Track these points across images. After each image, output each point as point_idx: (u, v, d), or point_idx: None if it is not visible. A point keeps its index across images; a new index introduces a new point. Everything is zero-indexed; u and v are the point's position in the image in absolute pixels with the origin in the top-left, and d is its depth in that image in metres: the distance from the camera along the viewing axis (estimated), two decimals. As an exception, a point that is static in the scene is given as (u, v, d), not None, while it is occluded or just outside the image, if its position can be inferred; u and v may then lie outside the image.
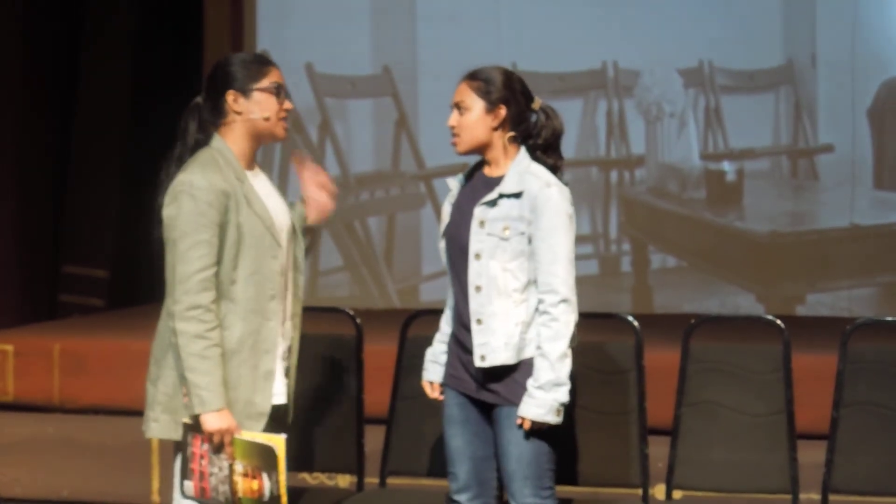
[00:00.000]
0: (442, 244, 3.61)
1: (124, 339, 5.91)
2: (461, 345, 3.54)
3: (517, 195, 3.44)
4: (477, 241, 3.46)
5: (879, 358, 4.00)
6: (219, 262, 3.23)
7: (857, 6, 7.35)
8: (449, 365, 3.62)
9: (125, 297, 7.44)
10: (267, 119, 3.33)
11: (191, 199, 3.20)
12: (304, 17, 7.76)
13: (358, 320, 4.21)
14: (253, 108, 3.32)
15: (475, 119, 3.49)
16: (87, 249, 7.46)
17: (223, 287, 3.24)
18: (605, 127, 7.51)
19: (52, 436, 5.53)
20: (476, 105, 3.49)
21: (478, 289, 3.44)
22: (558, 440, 3.49)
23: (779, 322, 4.05)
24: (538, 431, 3.42)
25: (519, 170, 3.47)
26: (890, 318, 4.38)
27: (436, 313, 4.09)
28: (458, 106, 3.51)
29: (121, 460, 5.38)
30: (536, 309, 3.44)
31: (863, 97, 7.31)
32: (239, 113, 3.32)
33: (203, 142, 3.34)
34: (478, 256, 3.45)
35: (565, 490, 3.82)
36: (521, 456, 3.45)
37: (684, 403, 4.03)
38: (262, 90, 3.32)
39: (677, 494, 4.08)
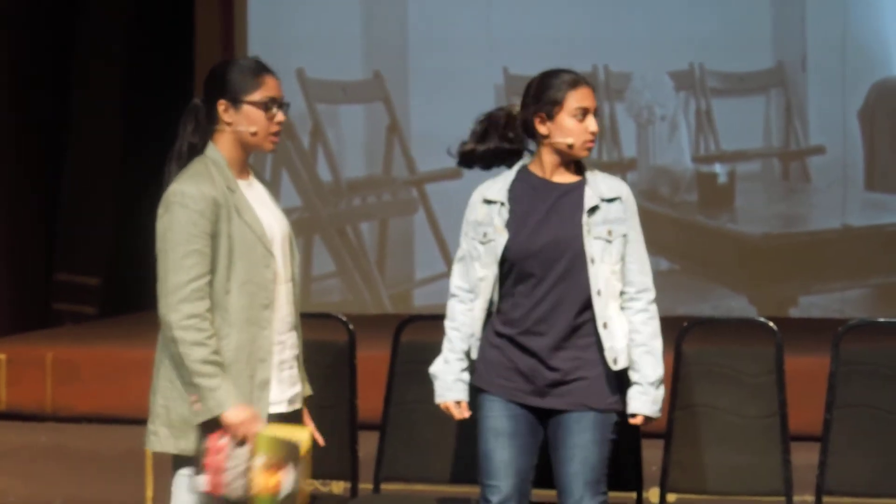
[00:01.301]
0: (499, 252, 3.52)
1: (117, 346, 5.90)
2: (526, 350, 3.49)
3: (613, 200, 3.56)
4: (587, 245, 3.49)
5: (872, 359, 4.00)
6: (213, 271, 3.22)
7: (847, 9, 7.37)
8: (498, 375, 3.54)
9: (118, 304, 7.44)
10: (254, 134, 3.29)
11: (182, 208, 3.19)
12: (294, 23, 7.76)
13: (350, 326, 4.21)
14: (241, 121, 3.27)
15: None
16: (79, 257, 7.46)
17: (217, 297, 3.22)
18: (597, 130, 7.51)
19: (45, 444, 5.52)
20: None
21: (599, 293, 3.47)
22: (618, 445, 3.53)
23: (771, 324, 4.05)
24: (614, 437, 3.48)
25: (596, 174, 3.62)
26: (882, 320, 4.39)
27: (429, 318, 4.08)
28: (595, 112, 3.61)
29: (114, 468, 5.37)
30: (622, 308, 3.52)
31: (853, 99, 7.33)
32: (228, 123, 3.29)
33: (199, 146, 3.30)
34: (592, 261, 3.48)
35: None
36: (585, 460, 3.46)
37: (678, 406, 4.03)
38: (253, 104, 3.27)
39: (671, 498, 4.08)
